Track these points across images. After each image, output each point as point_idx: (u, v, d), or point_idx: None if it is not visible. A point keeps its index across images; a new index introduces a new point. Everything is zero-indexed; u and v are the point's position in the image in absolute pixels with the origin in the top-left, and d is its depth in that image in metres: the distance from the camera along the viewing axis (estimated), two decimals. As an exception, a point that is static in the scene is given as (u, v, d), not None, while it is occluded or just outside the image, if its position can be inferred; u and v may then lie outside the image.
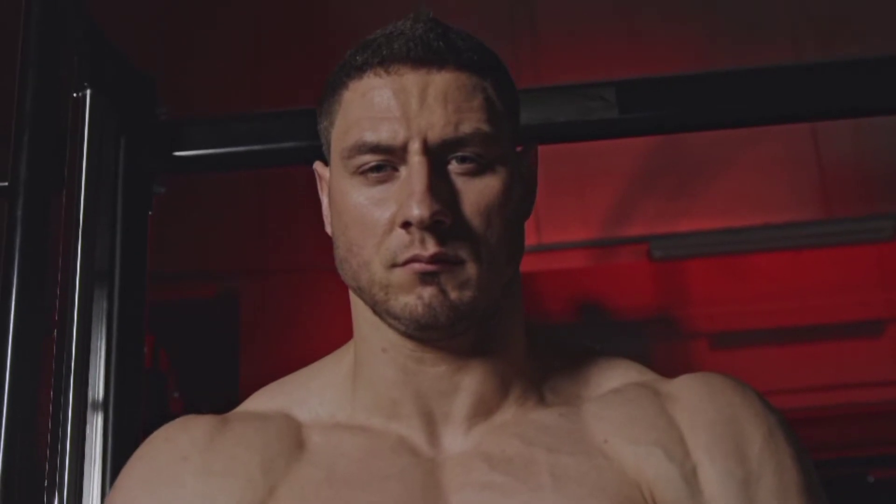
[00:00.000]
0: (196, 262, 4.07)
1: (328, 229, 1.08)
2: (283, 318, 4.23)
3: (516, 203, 1.03)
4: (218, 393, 3.97)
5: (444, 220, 0.95)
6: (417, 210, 0.94)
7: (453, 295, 0.97)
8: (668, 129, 1.79)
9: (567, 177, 3.99)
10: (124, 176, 1.64)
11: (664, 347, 4.34)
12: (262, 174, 3.79)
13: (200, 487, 1.01)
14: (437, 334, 1.00)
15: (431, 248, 0.95)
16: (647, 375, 1.10)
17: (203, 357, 3.82)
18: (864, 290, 4.31)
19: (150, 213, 1.68)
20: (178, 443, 1.05)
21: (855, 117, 1.98)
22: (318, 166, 1.11)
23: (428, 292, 0.96)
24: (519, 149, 1.08)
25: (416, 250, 0.96)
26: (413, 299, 0.96)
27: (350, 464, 1.02)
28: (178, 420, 1.08)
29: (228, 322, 4.24)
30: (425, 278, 0.96)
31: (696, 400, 1.03)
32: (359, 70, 1.01)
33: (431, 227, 0.95)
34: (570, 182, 4.08)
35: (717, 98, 1.64)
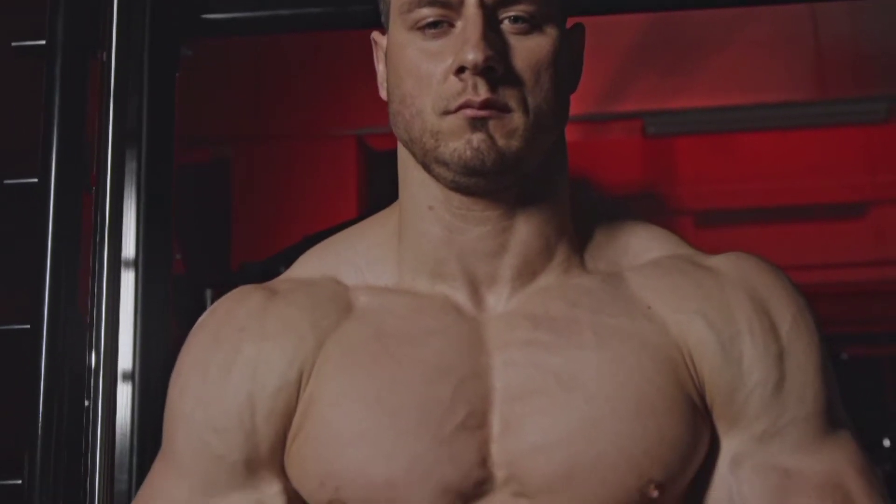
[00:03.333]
0: (190, 128, 4.05)
1: (382, 94, 1.11)
2: (274, 184, 4.25)
3: (565, 68, 1.06)
4: (212, 255, 4.03)
5: (497, 67, 0.99)
6: (472, 54, 0.98)
7: (501, 142, 1.00)
8: (704, 3, 1.75)
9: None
10: (151, 37, 1.64)
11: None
12: (257, 39, 3.76)
13: (256, 351, 1.07)
14: (483, 182, 1.02)
15: (483, 93, 0.99)
16: (684, 249, 1.14)
17: (197, 222, 3.85)
18: (850, 173, 4.36)
19: (177, 74, 1.68)
20: (236, 314, 1.10)
21: None
22: (375, 35, 1.14)
23: (477, 137, 0.99)
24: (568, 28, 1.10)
25: (468, 95, 0.99)
26: (462, 144, 1.00)
27: (397, 321, 1.07)
28: (235, 292, 1.13)
29: (222, 187, 4.27)
30: (475, 124, 0.99)
31: (734, 275, 1.08)
32: None
33: (484, 72, 0.98)
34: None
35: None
